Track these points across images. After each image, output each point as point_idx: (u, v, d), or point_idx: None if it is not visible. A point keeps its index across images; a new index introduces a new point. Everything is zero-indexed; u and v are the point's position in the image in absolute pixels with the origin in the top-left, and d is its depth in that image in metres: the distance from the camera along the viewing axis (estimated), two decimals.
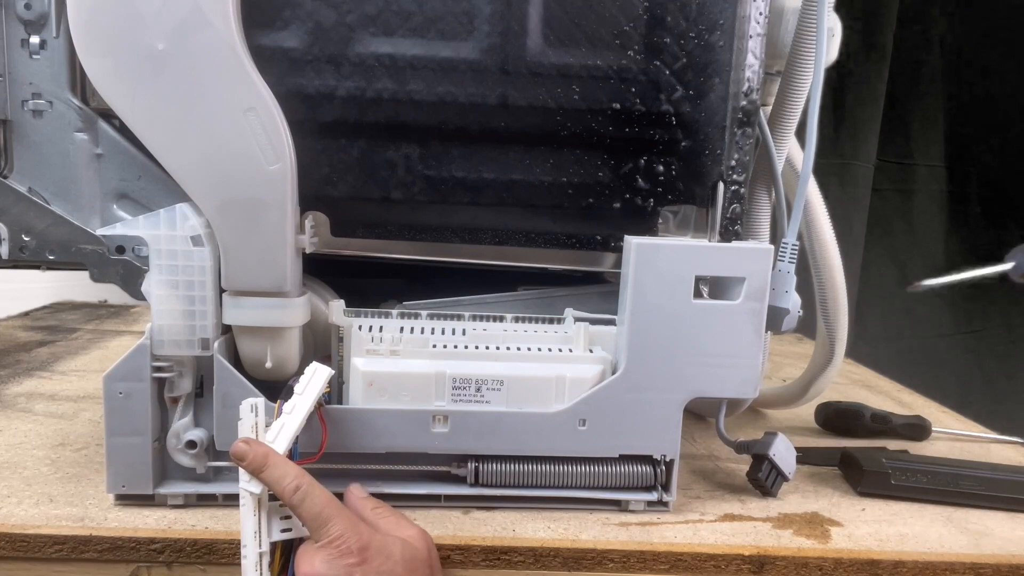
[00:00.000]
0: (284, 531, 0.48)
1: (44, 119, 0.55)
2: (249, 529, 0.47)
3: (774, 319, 0.57)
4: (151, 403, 0.53)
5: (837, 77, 1.48)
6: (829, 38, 0.59)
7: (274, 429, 0.49)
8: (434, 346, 0.57)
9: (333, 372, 0.53)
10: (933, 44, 1.53)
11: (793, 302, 0.58)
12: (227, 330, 0.54)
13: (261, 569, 0.47)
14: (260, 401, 0.49)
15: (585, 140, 0.56)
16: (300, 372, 0.53)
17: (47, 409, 0.76)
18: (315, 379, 0.52)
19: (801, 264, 0.61)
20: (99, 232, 0.54)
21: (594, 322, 0.59)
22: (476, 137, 0.56)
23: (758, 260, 0.56)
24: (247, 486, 0.47)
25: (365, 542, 0.46)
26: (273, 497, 0.48)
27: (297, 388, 0.52)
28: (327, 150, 0.55)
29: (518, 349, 0.57)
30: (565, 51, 0.55)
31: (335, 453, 0.54)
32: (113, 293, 1.37)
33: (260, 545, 0.47)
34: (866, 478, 0.65)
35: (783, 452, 0.62)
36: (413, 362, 0.56)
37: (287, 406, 0.51)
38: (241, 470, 0.47)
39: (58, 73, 0.54)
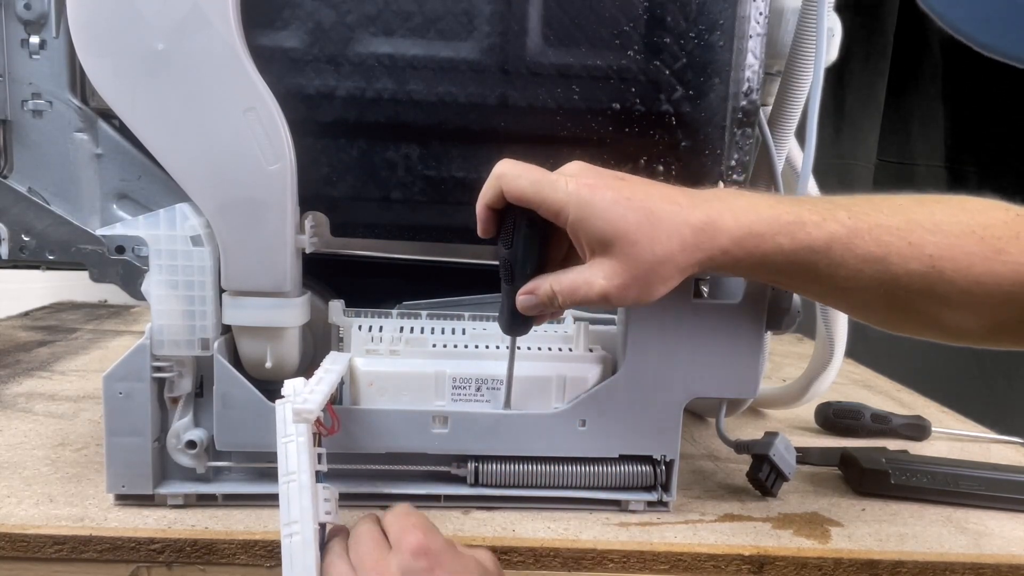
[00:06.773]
0: (327, 513, 0.47)
1: (44, 119, 0.55)
2: (306, 504, 0.45)
3: (774, 319, 0.57)
4: (151, 403, 0.53)
5: (837, 77, 1.48)
6: (829, 38, 0.59)
7: (314, 380, 0.50)
8: (434, 346, 0.57)
9: (351, 355, 0.55)
10: (933, 44, 1.53)
11: (793, 302, 0.58)
12: (227, 330, 0.54)
13: (317, 545, 0.45)
14: (299, 379, 0.49)
15: (585, 140, 0.56)
16: (300, 372, 0.53)
17: (47, 409, 0.76)
18: (339, 359, 0.54)
19: None
20: (99, 232, 0.54)
21: (594, 322, 0.59)
22: (476, 137, 0.56)
23: None
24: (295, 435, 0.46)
25: (438, 548, 0.43)
26: (319, 478, 0.47)
27: (325, 363, 0.53)
28: (327, 150, 0.55)
29: (518, 349, 0.57)
30: (565, 51, 0.55)
31: (335, 453, 0.54)
32: (113, 293, 1.36)
33: (314, 522, 0.45)
34: (866, 478, 0.65)
35: (783, 452, 0.62)
36: (413, 362, 0.56)
37: (320, 370, 0.52)
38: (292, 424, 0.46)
39: (58, 73, 0.54)
